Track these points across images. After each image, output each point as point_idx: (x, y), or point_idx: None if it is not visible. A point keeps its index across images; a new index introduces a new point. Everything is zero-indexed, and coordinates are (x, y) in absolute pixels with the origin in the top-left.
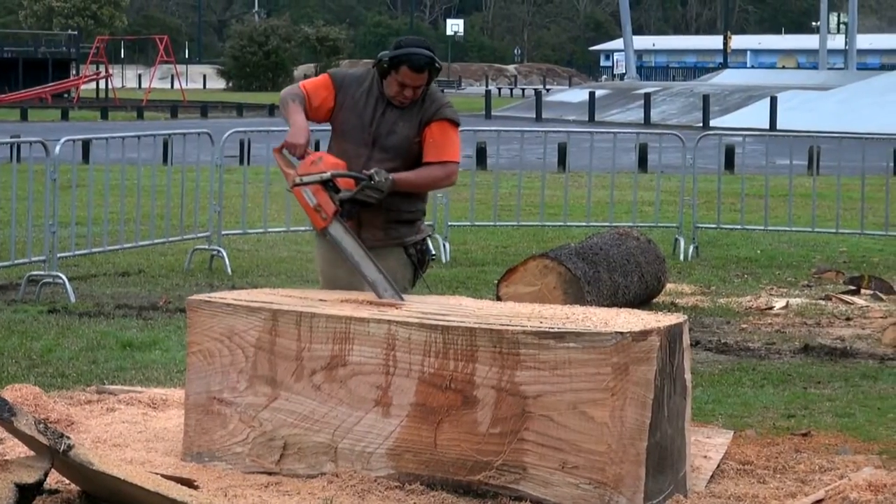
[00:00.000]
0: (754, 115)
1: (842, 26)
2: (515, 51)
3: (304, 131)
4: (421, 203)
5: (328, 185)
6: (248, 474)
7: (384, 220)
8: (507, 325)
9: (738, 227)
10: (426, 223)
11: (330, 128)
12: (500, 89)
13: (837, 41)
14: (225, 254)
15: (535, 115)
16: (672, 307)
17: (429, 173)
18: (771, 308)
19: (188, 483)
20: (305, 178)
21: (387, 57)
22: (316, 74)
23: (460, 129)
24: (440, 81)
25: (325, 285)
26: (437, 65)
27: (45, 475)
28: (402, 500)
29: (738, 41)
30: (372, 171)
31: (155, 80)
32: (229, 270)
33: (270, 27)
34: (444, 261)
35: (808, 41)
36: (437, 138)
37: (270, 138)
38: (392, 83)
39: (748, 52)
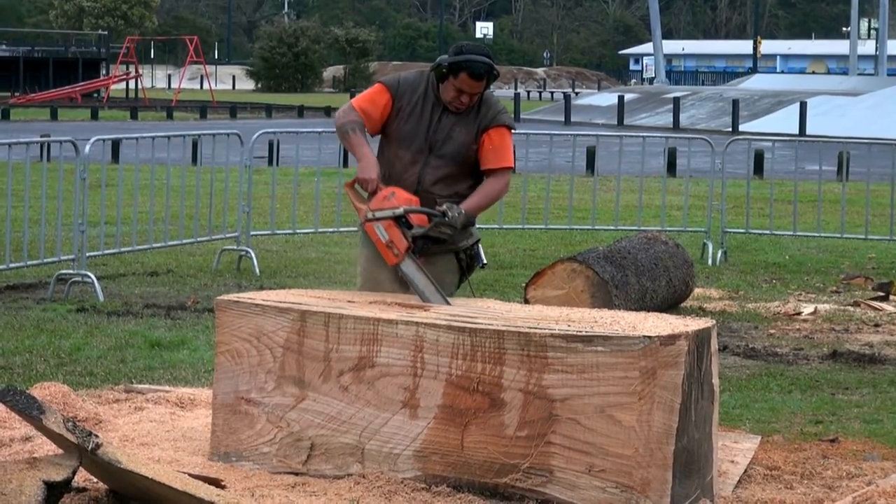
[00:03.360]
0: (784, 121)
1: (872, 32)
2: (545, 54)
3: (374, 166)
4: None
5: (401, 221)
6: (275, 474)
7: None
8: (535, 327)
9: (767, 232)
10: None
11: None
12: (528, 92)
13: (868, 47)
14: (253, 254)
15: (563, 119)
16: (700, 312)
17: (492, 190)
18: (799, 314)
19: (215, 483)
20: (378, 214)
21: (446, 62)
22: (345, 77)
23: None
24: None
25: (366, 286)
26: (495, 72)
27: (74, 473)
28: (429, 501)
29: (768, 46)
30: (444, 206)
31: (184, 81)
32: (257, 271)
33: (300, 28)
34: None
35: (838, 46)
36: (496, 144)
37: (299, 139)
38: (449, 88)
39: (778, 57)
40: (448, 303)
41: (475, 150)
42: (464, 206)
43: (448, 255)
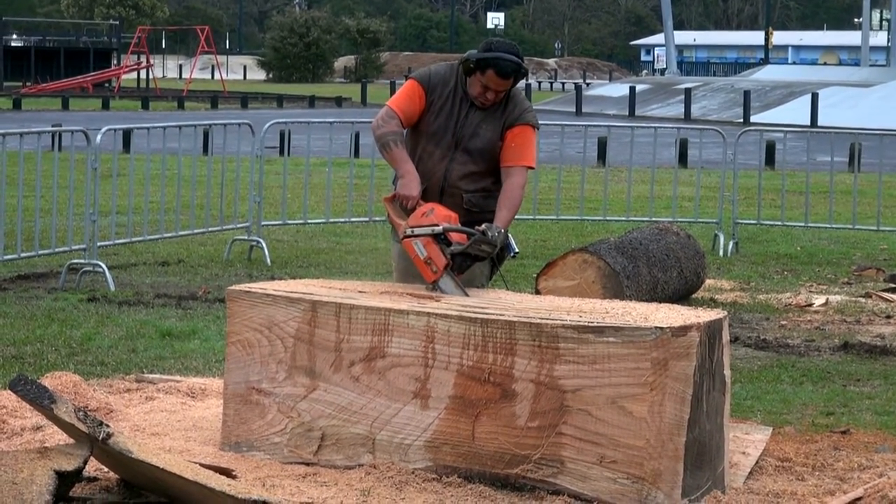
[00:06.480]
0: (795, 112)
1: (884, 23)
2: (556, 45)
3: (416, 182)
4: None
5: (440, 238)
6: (286, 464)
7: (466, 222)
8: (547, 318)
9: (779, 223)
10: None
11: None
12: (540, 83)
13: (880, 38)
14: (264, 244)
15: (575, 110)
16: (711, 303)
17: (515, 197)
18: (811, 305)
19: (226, 472)
20: (417, 231)
21: (474, 58)
22: (356, 67)
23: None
24: None
25: (399, 280)
26: (523, 70)
27: (85, 463)
28: (440, 492)
29: (780, 37)
30: (483, 225)
31: (196, 71)
32: (268, 261)
33: (311, 18)
34: None
35: (850, 37)
36: (519, 142)
37: (310, 129)
38: (475, 84)
39: (789, 48)
40: None
41: (500, 146)
42: (498, 223)
43: None
